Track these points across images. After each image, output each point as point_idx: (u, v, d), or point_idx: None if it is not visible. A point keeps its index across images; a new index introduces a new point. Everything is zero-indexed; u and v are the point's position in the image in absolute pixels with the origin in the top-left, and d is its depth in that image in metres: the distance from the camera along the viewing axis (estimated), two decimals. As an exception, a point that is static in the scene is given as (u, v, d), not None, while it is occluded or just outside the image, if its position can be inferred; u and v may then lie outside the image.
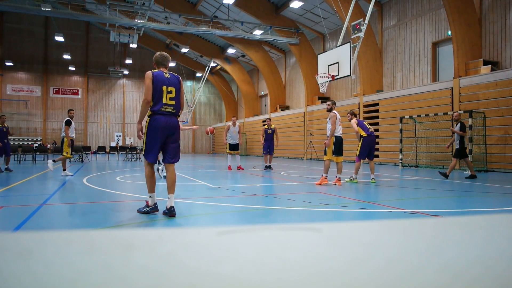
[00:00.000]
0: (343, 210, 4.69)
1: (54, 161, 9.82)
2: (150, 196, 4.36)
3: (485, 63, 12.77)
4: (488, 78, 12.16)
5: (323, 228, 0.53)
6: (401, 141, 14.25)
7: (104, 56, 35.24)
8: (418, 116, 13.73)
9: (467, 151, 9.73)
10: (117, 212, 4.74)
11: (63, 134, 9.67)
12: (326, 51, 14.15)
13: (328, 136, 7.68)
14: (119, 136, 35.62)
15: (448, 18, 13.17)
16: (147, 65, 37.41)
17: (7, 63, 31.75)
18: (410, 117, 14.02)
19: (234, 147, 12.16)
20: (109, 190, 6.73)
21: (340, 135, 7.71)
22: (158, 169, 9.24)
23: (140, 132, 4.37)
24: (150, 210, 4.34)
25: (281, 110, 26.49)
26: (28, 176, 9.35)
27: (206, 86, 38.55)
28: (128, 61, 31.63)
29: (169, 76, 4.36)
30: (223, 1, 20.04)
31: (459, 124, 9.23)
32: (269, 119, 13.15)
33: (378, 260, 0.42)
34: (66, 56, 30.67)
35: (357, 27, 12.47)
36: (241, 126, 12.48)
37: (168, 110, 4.31)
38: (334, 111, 7.71)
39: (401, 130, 14.26)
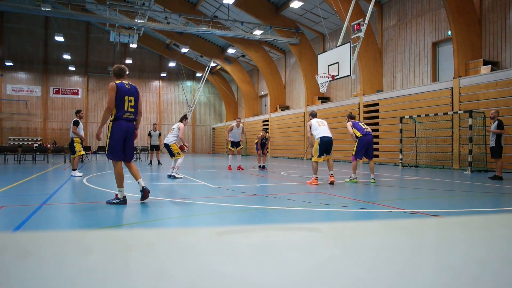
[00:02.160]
0: (343, 210, 4.69)
1: (74, 169, 9.50)
2: (119, 191, 4.92)
3: (485, 63, 12.77)
4: (488, 78, 12.15)
5: (323, 228, 0.53)
6: (401, 141, 14.25)
7: (104, 56, 35.23)
8: (418, 116, 13.72)
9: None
10: (117, 212, 4.74)
11: (72, 135, 9.73)
12: (326, 51, 14.14)
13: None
14: (119, 136, 35.60)
15: (448, 18, 13.18)
16: (147, 65, 37.42)
17: (7, 63, 31.74)
18: (410, 117, 14.02)
19: (235, 144, 12.24)
20: (109, 190, 6.73)
21: (325, 136, 7.70)
22: (169, 174, 9.28)
23: (100, 136, 5.07)
24: (119, 202, 4.88)
25: (281, 110, 26.50)
26: (28, 176, 9.36)
27: (206, 86, 38.54)
28: (128, 61, 31.61)
29: (129, 87, 5.04)
30: (223, 1, 20.04)
31: (496, 122, 9.01)
32: (264, 130, 13.33)
33: (378, 260, 0.42)
34: (66, 56, 30.67)
35: (357, 27, 12.47)
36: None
37: (129, 116, 4.99)
38: (311, 120, 8.04)
39: (401, 130, 14.26)
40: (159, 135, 15.56)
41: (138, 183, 5.05)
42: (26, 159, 17.55)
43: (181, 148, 9.42)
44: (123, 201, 4.90)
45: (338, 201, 5.45)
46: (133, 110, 5.01)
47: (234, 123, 12.11)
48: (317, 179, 7.67)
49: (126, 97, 4.93)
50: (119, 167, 5.00)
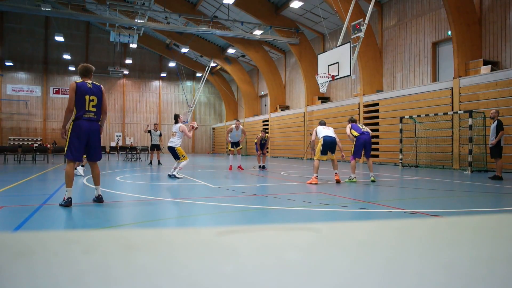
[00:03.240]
0: (343, 210, 4.69)
1: (82, 165, 9.64)
2: (66, 191, 4.82)
3: (485, 63, 12.76)
4: (488, 78, 12.15)
5: (323, 228, 0.53)
6: (401, 141, 14.25)
7: (104, 56, 35.23)
8: (418, 116, 13.72)
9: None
10: (117, 212, 4.74)
11: None
12: (326, 51, 14.14)
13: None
14: (119, 136, 35.63)
15: (448, 18, 13.17)
16: (147, 65, 37.43)
17: (7, 63, 31.73)
18: (410, 117, 14.02)
19: (234, 144, 12.28)
20: (109, 190, 6.73)
21: (328, 136, 7.98)
22: (170, 175, 9.25)
23: (64, 135, 5.02)
24: (64, 203, 4.77)
25: (281, 110, 26.50)
26: (28, 176, 9.36)
27: (206, 86, 38.54)
28: (128, 61, 31.61)
29: (91, 86, 4.93)
30: (223, 1, 20.04)
31: (495, 122, 8.98)
32: (264, 131, 13.38)
33: (377, 260, 0.42)
34: (66, 56, 30.65)
35: (357, 27, 12.47)
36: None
37: (91, 116, 4.91)
38: (318, 127, 8.29)
39: (401, 130, 14.26)
40: (160, 135, 15.56)
41: (96, 188, 5.08)
42: (26, 159, 17.55)
43: (192, 127, 9.26)
44: (68, 203, 4.74)
45: (338, 201, 5.45)
46: (94, 109, 4.92)
47: (233, 125, 12.11)
48: (317, 178, 7.83)
49: (86, 97, 4.83)
50: (70, 167, 4.93)
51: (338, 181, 7.81)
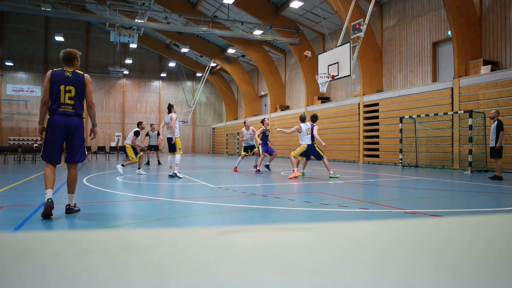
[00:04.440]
0: (343, 210, 4.69)
1: (123, 165, 10.42)
2: (46, 193, 4.09)
3: (485, 63, 12.76)
4: (488, 78, 12.15)
5: (323, 228, 0.53)
6: (401, 141, 14.25)
7: (104, 56, 35.22)
8: (418, 116, 13.72)
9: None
10: (117, 212, 4.74)
11: (128, 142, 10.70)
12: (326, 51, 14.14)
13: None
14: (119, 136, 35.61)
15: (448, 18, 13.17)
16: (147, 65, 37.43)
17: (7, 63, 31.73)
18: (410, 117, 14.02)
19: (249, 148, 11.61)
20: (109, 190, 6.73)
21: (310, 144, 9.27)
22: (171, 175, 9.20)
23: (42, 133, 4.29)
24: (44, 204, 4.07)
25: (281, 110, 26.50)
26: (28, 176, 9.35)
27: (206, 86, 38.54)
28: (128, 61, 31.60)
29: (70, 75, 4.19)
30: (223, 1, 20.05)
31: (495, 122, 8.99)
32: (266, 119, 11.78)
33: (377, 260, 0.42)
34: (66, 56, 30.62)
35: (357, 27, 12.48)
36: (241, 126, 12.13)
37: (66, 110, 4.18)
38: (302, 124, 9.37)
39: (401, 130, 14.26)
40: (158, 135, 15.58)
41: (68, 197, 4.31)
42: (26, 159, 17.55)
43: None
44: (46, 204, 3.99)
45: (338, 201, 5.45)
46: (72, 102, 4.17)
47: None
48: (297, 171, 9.07)
49: (62, 87, 4.12)
50: (47, 169, 4.19)
51: (291, 178, 8.94)
